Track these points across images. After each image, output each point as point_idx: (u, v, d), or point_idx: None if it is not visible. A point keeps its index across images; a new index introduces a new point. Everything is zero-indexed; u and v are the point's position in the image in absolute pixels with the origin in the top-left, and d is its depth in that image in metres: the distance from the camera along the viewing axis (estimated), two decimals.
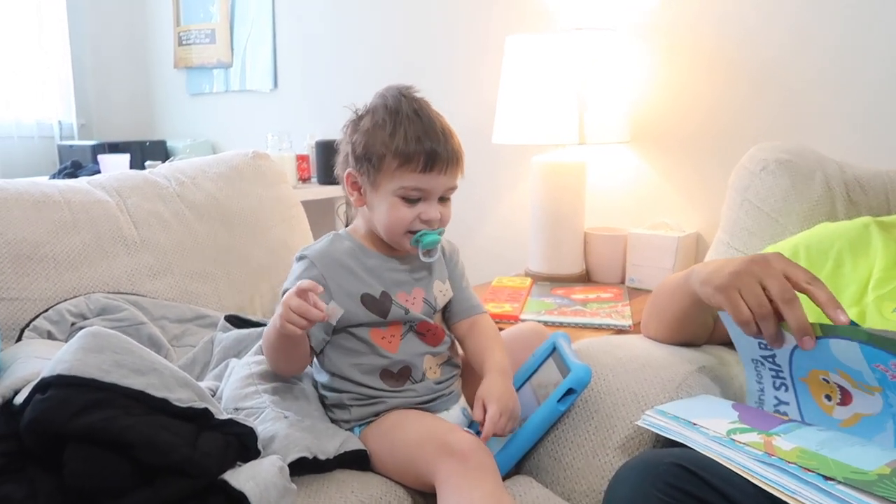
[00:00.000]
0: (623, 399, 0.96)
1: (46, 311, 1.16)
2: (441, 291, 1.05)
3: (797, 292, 0.80)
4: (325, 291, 0.95)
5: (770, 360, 0.88)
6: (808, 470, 0.69)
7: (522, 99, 1.73)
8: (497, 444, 0.96)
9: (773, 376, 0.89)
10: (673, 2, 1.79)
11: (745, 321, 0.81)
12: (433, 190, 0.95)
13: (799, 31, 1.62)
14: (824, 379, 0.82)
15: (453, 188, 0.98)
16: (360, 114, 0.99)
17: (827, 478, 0.68)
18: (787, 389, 0.87)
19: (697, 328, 1.07)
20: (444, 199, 0.98)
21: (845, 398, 0.81)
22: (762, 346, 0.88)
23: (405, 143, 0.92)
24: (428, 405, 1.00)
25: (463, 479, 0.81)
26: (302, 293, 0.85)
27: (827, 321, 0.79)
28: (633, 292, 1.76)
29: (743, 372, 1.05)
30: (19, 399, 0.80)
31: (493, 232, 2.23)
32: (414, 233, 0.96)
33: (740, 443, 0.76)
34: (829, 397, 0.83)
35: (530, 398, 1.02)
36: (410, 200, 0.95)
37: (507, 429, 0.90)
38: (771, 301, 0.80)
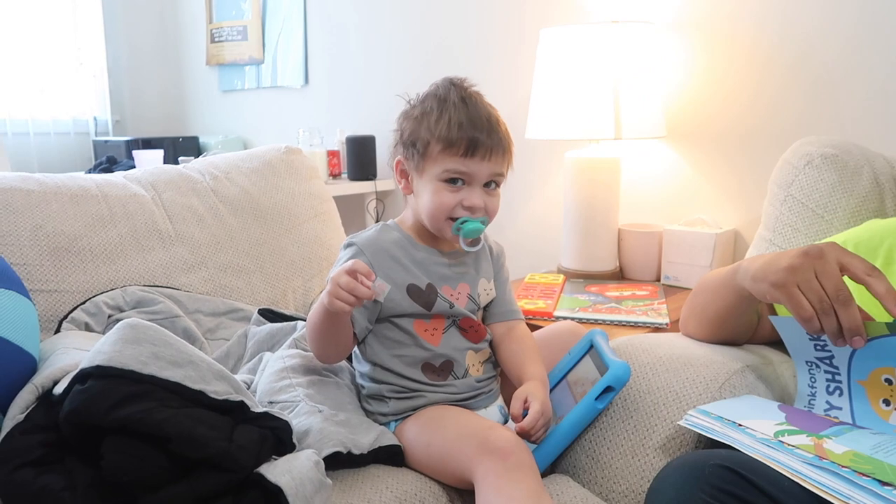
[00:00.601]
0: (664, 398, 0.93)
1: (84, 303, 1.18)
2: (486, 290, 1.04)
3: (856, 283, 0.77)
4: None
5: (827, 361, 0.84)
6: (863, 474, 0.66)
7: (556, 93, 1.71)
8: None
9: (827, 380, 0.86)
10: None
11: (808, 318, 0.77)
12: (476, 175, 0.94)
13: (837, 21, 1.57)
14: (887, 379, 0.79)
15: (499, 175, 0.97)
16: (412, 103, 1.00)
17: (883, 483, 0.65)
18: (841, 394, 0.84)
19: (742, 326, 1.04)
20: (490, 188, 0.97)
21: None
22: (818, 346, 0.85)
23: (448, 128, 0.92)
24: (467, 402, 0.99)
25: (503, 478, 0.79)
26: (351, 272, 0.85)
27: None
28: (669, 290, 1.73)
29: (787, 371, 1.02)
30: (58, 389, 0.80)
31: (525, 227, 2.21)
32: (456, 220, 0.95)
33: (789, 445, 0.73)
34: (887, 402, 0.80)
35: (567, 396, 1.00)
36: (453, 184, 0.94)
37: (539, 435, 0.89)
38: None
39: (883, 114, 1.53)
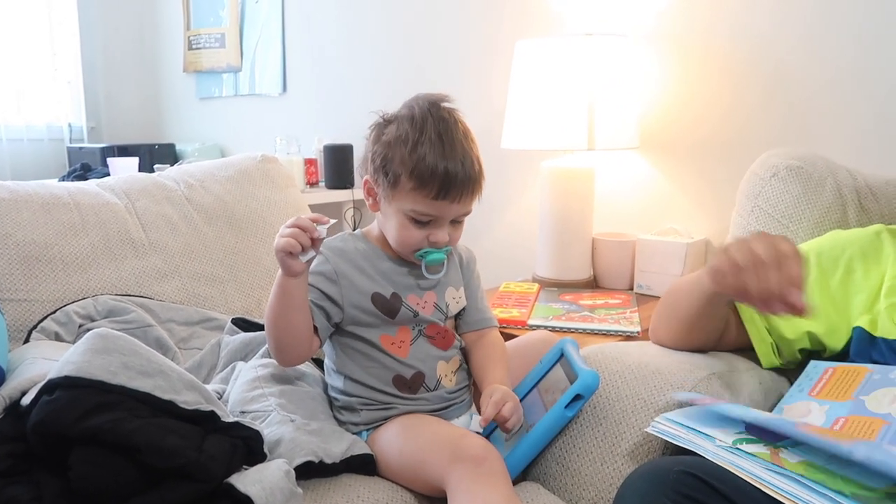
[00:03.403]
0: (632, 406, 0.95)
1: (54, 312, 1.17)
2: (454, 298, 1.04)
3: None
4: (335, 283, 0.96)
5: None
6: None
7: (532, 104, 1.73)
8: (504, 449, 0.95)
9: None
10: (684, 8, 1.78)
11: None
12: (444, 216, 0.94)
13: (810, 37, 1.61)
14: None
15: (466, 213, 0.97)
16: (387, 119, 0.96)
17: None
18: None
19: (709, 328, 1.06)
20: (456, 222, 0.97)
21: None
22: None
23: (422, 167, 0.89)
24: (439, 414, 1.00)
25: (476, 484, 0.80)
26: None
27: None
28: (642, 298, 1.75)
29: (753, 379, 1.05)
30: (26, 400, 0.80)
31: (500, 237, 2.22)
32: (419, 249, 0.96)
33: (747, 452, 0.75)
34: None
35: (538, 404, 1.01)
36: (420, 223, 0.94)
37: (512, 421, 0.90)
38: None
39: (852, 126, 1.57)
